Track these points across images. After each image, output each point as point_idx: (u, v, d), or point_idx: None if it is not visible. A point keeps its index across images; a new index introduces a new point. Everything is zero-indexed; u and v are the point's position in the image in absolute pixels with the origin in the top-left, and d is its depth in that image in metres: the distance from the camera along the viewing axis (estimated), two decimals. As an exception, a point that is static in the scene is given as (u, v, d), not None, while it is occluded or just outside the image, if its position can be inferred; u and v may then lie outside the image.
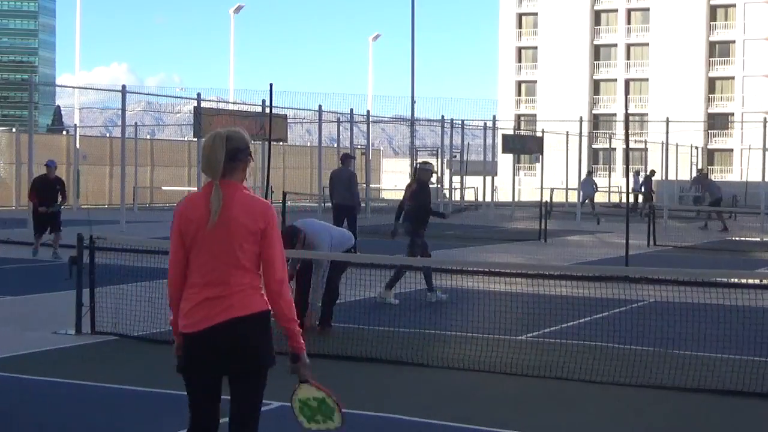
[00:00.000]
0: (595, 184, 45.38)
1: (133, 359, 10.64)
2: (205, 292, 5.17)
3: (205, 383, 5.49)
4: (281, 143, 40.12)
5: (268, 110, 29.69)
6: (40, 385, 9.27)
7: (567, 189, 47.73)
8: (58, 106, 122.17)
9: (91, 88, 55.48)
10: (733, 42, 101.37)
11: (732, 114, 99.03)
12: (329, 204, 37.10)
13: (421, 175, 16.98)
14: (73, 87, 56.73)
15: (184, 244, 5.22)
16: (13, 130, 45.61)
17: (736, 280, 16.10)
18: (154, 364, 10.36)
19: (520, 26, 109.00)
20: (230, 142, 5.21)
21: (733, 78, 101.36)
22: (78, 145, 44.22)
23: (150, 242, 19.27)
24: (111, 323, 11.96)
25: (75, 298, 11.79)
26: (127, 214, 31.46)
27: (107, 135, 50.34)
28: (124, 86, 33.35)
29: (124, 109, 33.86)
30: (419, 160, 16.16)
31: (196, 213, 5.16)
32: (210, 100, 37.33)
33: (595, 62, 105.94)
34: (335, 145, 44.96)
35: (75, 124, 48.86)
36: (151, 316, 12.44)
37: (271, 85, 26.62)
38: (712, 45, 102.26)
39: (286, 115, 38.18)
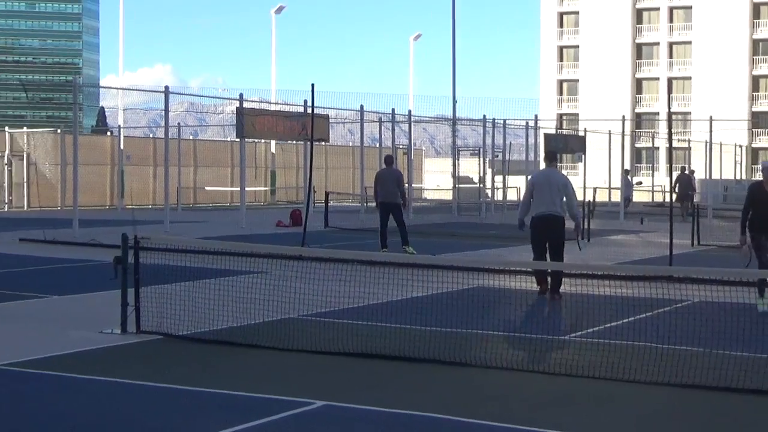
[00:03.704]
0: (631, 183, 44.93)
1: (178, 358, 10.67)
2: None
3: None
4: (323, 143, 40.19)
5: (309, 110, 29.73)
6: (87, 383, 9.32)
7: (610, 188, 47.43)
8: (102, 108, 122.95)
9: (134, 89, 55.86)
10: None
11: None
12: (371, 204, 37.19)
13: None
14: (117, 88, 57.21)
15: None
16: (58, 131, 46.07)
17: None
18: (198, 363, 10.41)
19: (561, 25, 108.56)
20: None
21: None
22: (122, 146, 44.50)
23: (194, 242, 19.38)
24: (156, 323, 11.99)
25: (120, 298, 11.85)
26: (171, 215, 31.59)
27: (151, 135, 50.61)
28: (167, 87, 33.52)
29: (167, 110, 34.02)
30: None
31: None
32: (252, 101, 37.42)
33: (637, 61, 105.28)
34: (377, 145, 44.96)
35: (119, 125, 49.14)
36: (195, 316, 12.51)
37: (312, 85, 26.68)
38: (755, 43, 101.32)
39: (327, 115, 38.24)
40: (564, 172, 21.60)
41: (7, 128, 48.77)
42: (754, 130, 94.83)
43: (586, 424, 8.08)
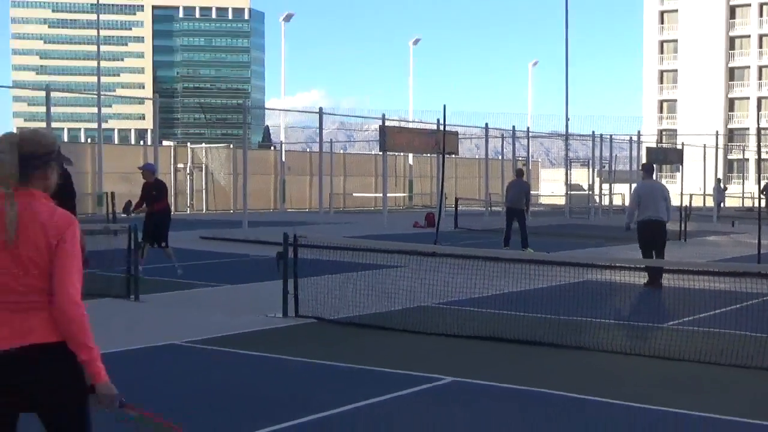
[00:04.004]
0: (723, 190, 43.98)
1: (330, 339, 10.78)
2: None
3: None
4: (453, 156, 40.10)
5: (441, 128, 29.81)
6: (256, 359, 9.50)
7: (704, 195, 46.39)
8: (267, 126, 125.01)
9: (293, 111, 56.72)
10: None
11: None
12: (494, 208, 36.96)
13: None
14: (279, 110, 58.18)
15: None
16: (231, 146, 47.02)
17: None
18: (347, 343, 10.53)
19: (661, 51, 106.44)
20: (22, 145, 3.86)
21: None
22: (283, 159, 45.20)
23: (343, 240, 19.59)
24: (311, 308, 12.12)
25: (281, 287, 12.04)
26: (324, 217, 32.02)
27: (307, 150, 51.40)
28: (321, 108, 34.08)
29: (321, 128, 34.53)
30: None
31: None
32: (392, 120, 37.62)
33: (729, 82, 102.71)
34: (500, 158, 44.79)
35: (281, 141, 49.91)
36: (344, 303, 12.62)
37: (444, 106, 26.88)
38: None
39: (457, 131, 38.23)
40: (663, 180, 21.16)
41: (189, 144, 50.03)
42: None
43: (693, 403, 7.90)
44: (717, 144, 46.31)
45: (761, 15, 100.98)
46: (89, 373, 3.76)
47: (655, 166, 21.99)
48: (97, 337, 3.75)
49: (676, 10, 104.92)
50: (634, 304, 14.22)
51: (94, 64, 44.29)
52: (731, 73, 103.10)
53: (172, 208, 31.52)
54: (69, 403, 3.80)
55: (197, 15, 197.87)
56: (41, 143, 3.88)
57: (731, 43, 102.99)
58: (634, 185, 43.81)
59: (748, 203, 50.86)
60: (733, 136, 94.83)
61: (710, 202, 42.82)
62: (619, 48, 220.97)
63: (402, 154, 48.45)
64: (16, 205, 3.77)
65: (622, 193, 48.30)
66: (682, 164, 46.51)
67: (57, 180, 3.95)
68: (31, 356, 3.71)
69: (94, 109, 32.88)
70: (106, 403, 3.79)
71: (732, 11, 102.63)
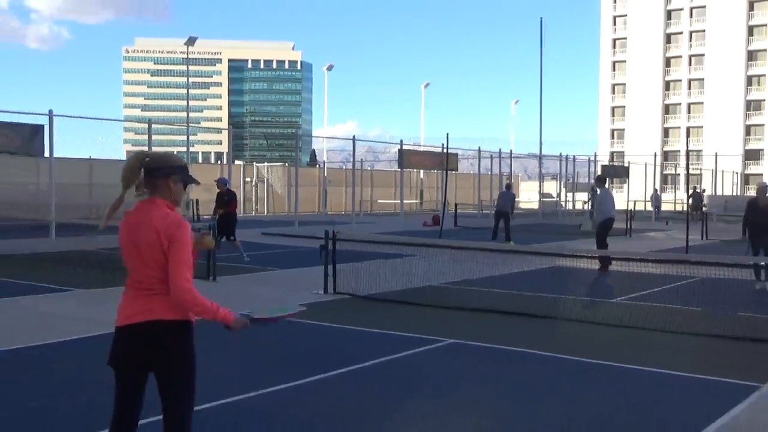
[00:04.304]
0: (659, 198, 43.75)
1: (359, 310, 10.76)
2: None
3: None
4: (454, 171, 39.96)
5: (445, 150, 29.80)
6: (304, 324, 9.52)
7: (645, 201, 46.14)
8: (314, 149, 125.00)
9: (333, 138, 56.97)
10: (763, 100, 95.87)
11: (762, 149, 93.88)
12: (485, 211, 36.82)
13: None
14: (323, 137, 58.31)
15: None
16: (286, 165, 47.15)
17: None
18: (372, 313, 10.51)
19: (613, 92, 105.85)
20: (146, 162, 3.87)
21: (762, 125, 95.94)
22: (326, 174, 45.28)
23: (370, 236, 19.59)
24: (345, 287, 12.13)
25: (323, 271, 12.06)
26: (355, 218, 32.03)
27: (343, 167, 51.17)
28: (354, 136, 34.09)
29: (354, 151, 34.54)
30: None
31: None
32: (408, 144, 37.55)
33: (665, 116, 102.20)
34: (489, 173, 44.69)
35: (324, 161, 50.12)
36: (370, 283, 12.62)
37: (447, 134, 27.13)
38: (748, 103, 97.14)
39: (457, 153, 38.27)
40: (613, 190, 20.94)
41: (254, 163, 50.29)
42: (746, 161, 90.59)
43: (634, 359, 7.87)
44: (655, 163, 46.19)
45: (690, 64, 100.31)
46: (221, 323, 3.87)
47: (607, 178, 22.11)
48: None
49: (625, 61, 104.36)
50: (589, 284, 14.15)
51: (183, 102, 44.44)
52: (666, 109, 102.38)
53: (242, 212, 31.45)
54: (178, 366, 3.81)
55: (262, 66, 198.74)
56: (163, 159, 3.87)
57: (667, 85, 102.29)
58: (598, 190, 44.11)
59: (678, 208, 50.54)
60: (667, 156, 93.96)
61: (649, 207, 42.61)
62: (581, 88, 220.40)
63: (415, 170, 48.42)
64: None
65: (582, 200, 48.25)
66: (628, 178, 46.43)
67: (182, 191, 3.91)
68: (152, 329, 3.75)
69: (184, 137, 32.99)
70: (243, 328, 3.97)
71: (668, 61, 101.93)
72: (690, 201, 34.67)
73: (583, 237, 24.32)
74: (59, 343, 8.38)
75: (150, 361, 3.80)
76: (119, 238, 3.84)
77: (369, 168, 49.78)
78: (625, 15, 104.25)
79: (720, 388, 6.85)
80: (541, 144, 44.68)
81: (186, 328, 3.82)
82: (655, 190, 43.59)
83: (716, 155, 47.66)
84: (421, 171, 49.59)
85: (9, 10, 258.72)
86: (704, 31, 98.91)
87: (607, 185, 18.29)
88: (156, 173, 3.82)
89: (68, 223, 20.78)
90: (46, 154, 21.92)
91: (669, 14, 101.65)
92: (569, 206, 46.72)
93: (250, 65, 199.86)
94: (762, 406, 6.30)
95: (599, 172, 42.75)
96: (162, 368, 3.80)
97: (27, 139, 21.70)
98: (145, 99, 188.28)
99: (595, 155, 50.51)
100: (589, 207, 36.08)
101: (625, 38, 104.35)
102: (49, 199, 21.60)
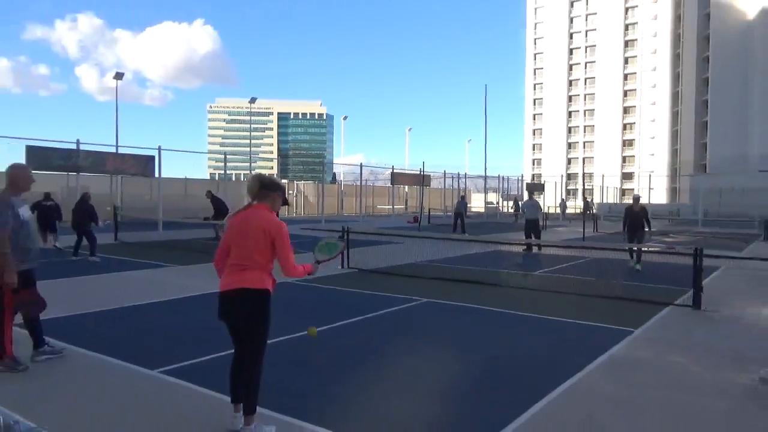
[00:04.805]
0: (565, 204, 43.70)
1: (363, 279, 10.64)
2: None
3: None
4: (427, 186, 39.90)
5: (422, 173, 29.66)
6: (327, 289, 9.48)
7: (555, 206, 46.17)
8: (334, 172, 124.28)
9: (347, 164, 56.85)
10: (633, 139, 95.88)
11: (633, 172, 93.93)
12: (448, 213, 36.55)
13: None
14: (341, 164, 58.25)
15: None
16: (316, 182, 47.01)
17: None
18: (372, 281, 10.43)
19: (533, 134, 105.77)
20: (262, 181, 3.89)
21: (633, 156, 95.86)
22: (342, 188, 45.22)
23: (371, 229, 19.54)
24: (356, 263, 12.04)
25: (341, 253, 11.93)
26: (362, 218, 31.84)
27: (354, 184, 51.17)
28: (361, 163, 33.96)
29: (361, 173, 34.41)
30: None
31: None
32: (398, 169, 37.37)
33: (568, 150, 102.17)
34: (451, 188, 44.59)
35: (341, 180, 50.08)
36: (372, 260, 12.56)
37: (423, 162, 27.11)
38: (623, 141, 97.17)
39: (430, 175, 38.02)
40: (535, 197, 20.94)
41: (295, 181, 50.14)
42: (623, 180, 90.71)
43: (550, 309, 7.84)
44: (561, 181, 46.32)
45: (585, 116, 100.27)
46: (309, 274, 3.91)
47: (533, 191, 22.08)
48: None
49: (541, 113, 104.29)
50: (519, 262, 14.12)
51: (247, 140, 44.19)
52: (569, 146, 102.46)
53: (285, 213, 31.02)
54: (255, 323, 3.71)
55: (300, 116, 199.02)
56: (271, 181, 3.90)
57: (569, 129, 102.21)
58: (520, 201, 44.00)
59: (578, 211, 50.56)
60: (570, 177, 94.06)
61: (558, 210, 42.62)
62: (513, 130, 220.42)
63: (402, 186, 48.33)
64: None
65: (514, 206, 48.23)
66: (544, 190, 46.44)
67: (280, 203, 3.94)
68: (241, 294, 3.68)
69: (248, 164, 32.89)
70: (319, 269, 3.96)
71: (569, 114, 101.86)
72: (583, 207, 34.75)
73: (514, 231, 24.29)
74: (167, 300, 8.33)
75: (243, 315, 3.75)
76: (230, 228, 3.79)
77: (371, 184, 49.62)
78: (541, 83, 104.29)
79: (605, 331, 6.83)
80: (486, 168, 44.49)
81: (265, 295, 3.75)
82: (563, 200, 43.57)
83: (603, 176, 47.67)
84: (406, 186, 49.44)
85: (133, 80, 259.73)
86: (594, 94, 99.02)
87: (534, 195, 18.20)
88: (270, 189, 3.85)
89: (170, 221, 20.85)
90: (156, 175, 21.89)
91: (570, 83, 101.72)
92: (504, 210, 46.68)
93: (291, 116, 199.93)
94: (636, 345, 6.30)
95: (525, 188, 42.78)
96: (249, 321, 3.73)
97: (144, 165, 21.65)
98: (222, 138, 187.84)
99: (522, 176, 50.68)
100: (514, 211, 36.42)
101: (542, 98, 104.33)
102: (158, 205, 21.59)
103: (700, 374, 5.23)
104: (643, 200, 51.31)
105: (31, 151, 17.90)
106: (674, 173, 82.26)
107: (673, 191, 78.36)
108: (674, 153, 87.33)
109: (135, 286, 9.51)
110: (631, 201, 13.36)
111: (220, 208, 17.37)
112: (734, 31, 66.02)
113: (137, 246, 16.11)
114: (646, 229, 12.55)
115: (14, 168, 5.14)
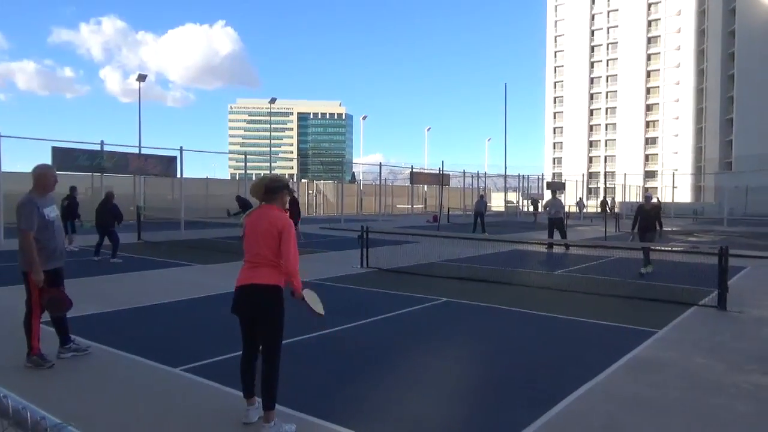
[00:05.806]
0: (584, 204, 43.14)
1: (383, 279, 10.66)
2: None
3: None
4: (447, 186, 39.80)
5: (441, 172, 29.55)
6: (345, 288, 9.50)
7: (576, 204, 45.69)
8: (354, 171, 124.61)
9: (366, 164, 57.07)
10: (656, 137, 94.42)
11: (655, 170, 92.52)
12: (468, 212, 36.38)
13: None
14: (360, 163, 58.33)
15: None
16: (335, 182, 47.18)
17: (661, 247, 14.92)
18: (392, 281, 10.42)
19: (554, 133, 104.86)
20: (266, 185, 3.95)
21: (656, 154, 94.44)
22: (361, 188, 45.32)
23: (390, 229, 19.53)
24: (375, 263, 12.07)
25: (360, 252, 12.01)
26: (381, 217, 31.87)
27: (373, 183, 51.26)
28: (380, 162, 33.92)
29: (380, 172, 34.36)
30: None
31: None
32: (417, 168, 37.30)
33: (589, 149, 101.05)
34: (471, 187, 44.41)
35: (360, 179, 50.18)
36: (391, 260, 12.56)
37: (442, 161, 26.80)
38: (646, 139, 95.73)
39: (449, 174, 37.95)
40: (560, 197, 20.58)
41: (314, 181, 50.34)
42: (646, 178, 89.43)
43: (572, 309, 7.75)
44: (583, 180, 45.68)
45: (607, 114, 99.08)
46: (292, 288, 3.83)
47: (556, 189, 21.81)
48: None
49: (562, 111, 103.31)
50: (541, 261, 13.99)
51: (267, 141, 44.51)
52: (591, 144, 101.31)
53: (305, 213, 31.20)
54: (271, 317, 3.80)
55: (319, 117, 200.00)
56: (278, 180, 3.94)
57: (591, 128, 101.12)
58: (541, 201, 43.57)
59: (599, 210, 50.01)
60: (591, 175, 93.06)
61: (576, 209, 42.24)
62: (534, 129, 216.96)
63: (421, 185, 48.22)
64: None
65: (534, 205, 47.87)
66: (564, 189, 45.88)
67: (288, 201, 4.01)
68: (256, 289, 3.78)
69: (268, 164, 33.15)
70: (299, 300, 3.86)
71: (591, 112, 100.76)
72: (601, 207, 34.30)
73: (535, 230, 24.09)
74: (189, 299, 8.43)
75: (255, 310, 3.81)
76: (245, 227, 3.88)
77: (390, 184, 49.63)
78: (562, 80, 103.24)
79: (628, 332, 6.73)
80: (506, 167, 44.28)
81: (279, 290, 3.82)
82: (580, 198, 43.14)
83: (625, 175, 47.00)
84: (425, 186, 49.36)
85: (155, 81, 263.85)
86: (616, 91, 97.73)
87: (556, 195, 17.91)
88: (275, 190, 3.91)
89: (192, 221, 21.07)
90: (178, 175, 22.16)
91: (591, 81, 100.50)
92: (524, 209, 46.27)
93: (311, 116, 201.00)
94: (660, 346, 6.19)
95: (546, 187, 42.38)
96: (261, 315, 3.82)
97: (166, 165, 21.92)
98: (242, 138, 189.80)
99: (542, 175, 50.28)
100: (533, 211, 36.05)
101: (562, 96, 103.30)
102: (180, 205, 21.86)
103: (726, 376, 5.11)
104: (667, 199, 50.86)
105: (56, 152, 18.25)
106: (699, 171, 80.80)
107: (698, 190, 76.94)
108: (698, 151, 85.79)
109: (158, 285, 9.64)
110: (642, 200, 13.06)
111: (246, 205, 18.00)
112: (760, 26, 64.49)
113: (160, 245, 16.30)
114: (658, 229, 12.09)
115: (39, 168, 5.23)
